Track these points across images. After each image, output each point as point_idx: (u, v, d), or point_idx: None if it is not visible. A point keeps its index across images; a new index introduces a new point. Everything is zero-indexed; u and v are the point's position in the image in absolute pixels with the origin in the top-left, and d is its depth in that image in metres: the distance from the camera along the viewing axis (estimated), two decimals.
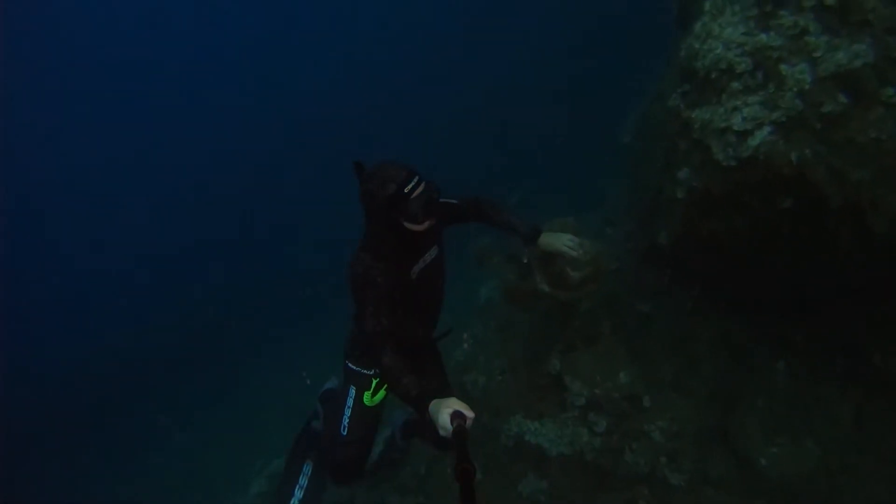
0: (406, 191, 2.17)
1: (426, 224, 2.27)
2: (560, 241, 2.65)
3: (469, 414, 1.74)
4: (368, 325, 2.17)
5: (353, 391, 2.67)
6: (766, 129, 2.52)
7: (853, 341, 3.27)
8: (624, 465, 3.28)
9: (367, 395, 2.63)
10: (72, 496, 8.15)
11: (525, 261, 3.32)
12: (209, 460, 7.28)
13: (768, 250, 2.95)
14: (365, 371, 2.66)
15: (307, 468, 3.19)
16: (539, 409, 3.63)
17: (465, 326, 5.19)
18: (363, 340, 2.55)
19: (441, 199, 2.53)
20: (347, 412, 2.66)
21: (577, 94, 8.57)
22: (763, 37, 2.65)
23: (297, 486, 3.14)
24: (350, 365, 2.72)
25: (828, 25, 2.73)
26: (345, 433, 2.64)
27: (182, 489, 6.79)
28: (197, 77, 20.99)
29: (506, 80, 10.49)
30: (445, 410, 1.75)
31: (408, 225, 2.24)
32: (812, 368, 3.38)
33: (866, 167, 2.61)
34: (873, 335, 3.18)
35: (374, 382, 2.63)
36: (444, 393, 1.86)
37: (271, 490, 5.02)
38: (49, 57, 19.34)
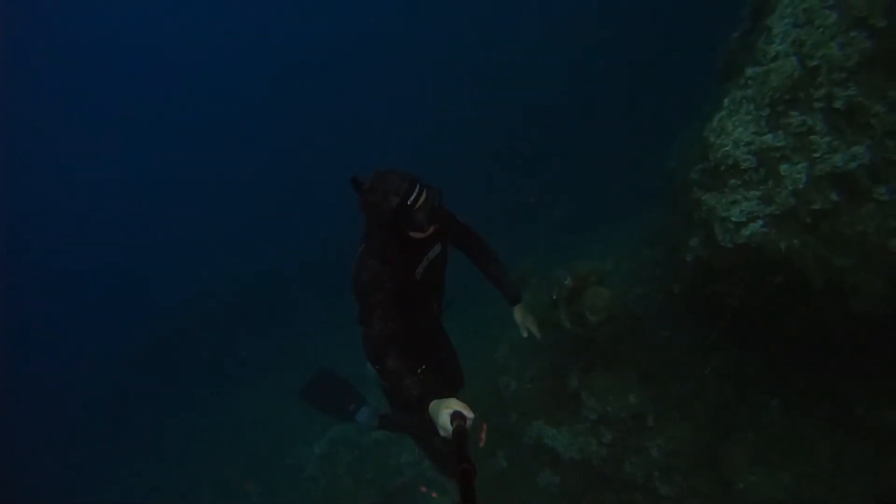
0: (410, 202, 2.17)
1: (430, 230, 2.32)
2: (527, 322, 3.03)
3: (469, 414, 1.74)
4: (375, 328, 2.18)
5: None
6: (759, 223, 2.99)
7: (841, 390, 3.71)
8: (623, 474, 3.91)
9: None
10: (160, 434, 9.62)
11: (554, 297, 3.92)
12: (279, 413, 8.36)
13: (764, 314, 3.42)
14: None
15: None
16: (558, 417, 4.29)
17: (504, 329, 5.87)
18: (369, 343, 2.55)
19: (455, 216, 2.73)
20: None
21: (632, 107, 8.77)
22: (769, 137, 3.07)
23: None
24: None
25: (834, 126, 3.11)
26: None
27: (256, 438, 7.93)
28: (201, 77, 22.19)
29: (555, 94, 10.65)
30: (445, 411, 1.75)
31: (413, 234, 2.30)
32: (803, 409, 3.84)
33: (851, 256, 3.03)
34: (858, 388, 3.61)
35: None
36: (445, 393, 1.90)
37: (333, 452, 5.97)
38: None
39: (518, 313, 3.03)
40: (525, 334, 3.05)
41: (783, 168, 3.02)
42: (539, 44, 11.80)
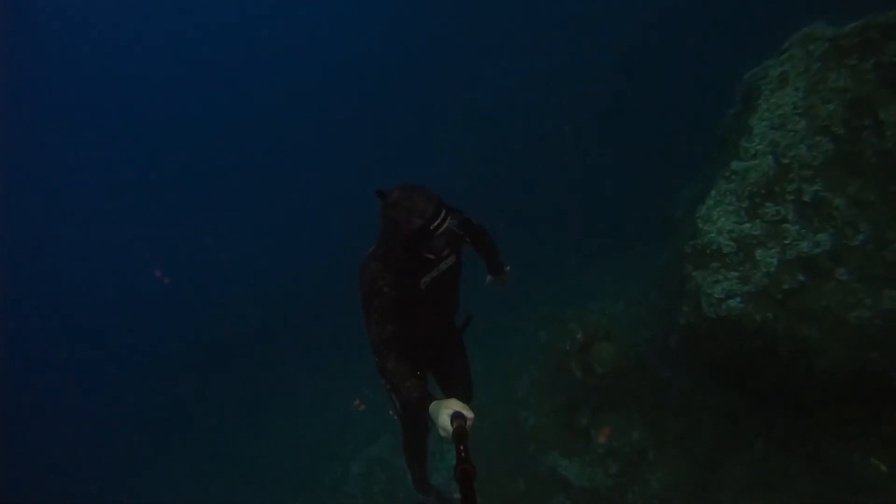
0: (433, 227, 2.14)
1: (445, 253, 2.33)
2: (495, 285, 3.25)
3: (469, 415, 1.74)
4: (374, 332, 2.21)
5: None
6: (737, 299, 3.61)
7: (816, 434, 4.27)
8: (626, 502, 4.52)
9: None
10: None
11: (567, 348, 4.56)
12: (316, 430, 9.01)
13: (746, 369, 4.02)
14: None
15: None
16: (571, 449, 4.91)
17: (526, 361, 6.49)
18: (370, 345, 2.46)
19: (470, 220, 2.76)
20: None
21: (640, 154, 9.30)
22: (747, 226, 3.70)
23: None
24: None
25: (803, 214, 3.72)
26: None
27: (294, 453, 8.62)
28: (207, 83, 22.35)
29: (585, 121, 11.11)
30: (445, 411, 1.75)
31: (427, 255, 2.28)
32: (785, 449, 4.41)
33: (815, 326, 3.63)
34: (830, 433, 4.17)
35: None
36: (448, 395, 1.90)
37: (370, 472, 6.64)
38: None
39: (492, 279, 3.25)
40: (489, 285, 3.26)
41: (758, 253, 3.64)
42: (574, 68, 12.22)
